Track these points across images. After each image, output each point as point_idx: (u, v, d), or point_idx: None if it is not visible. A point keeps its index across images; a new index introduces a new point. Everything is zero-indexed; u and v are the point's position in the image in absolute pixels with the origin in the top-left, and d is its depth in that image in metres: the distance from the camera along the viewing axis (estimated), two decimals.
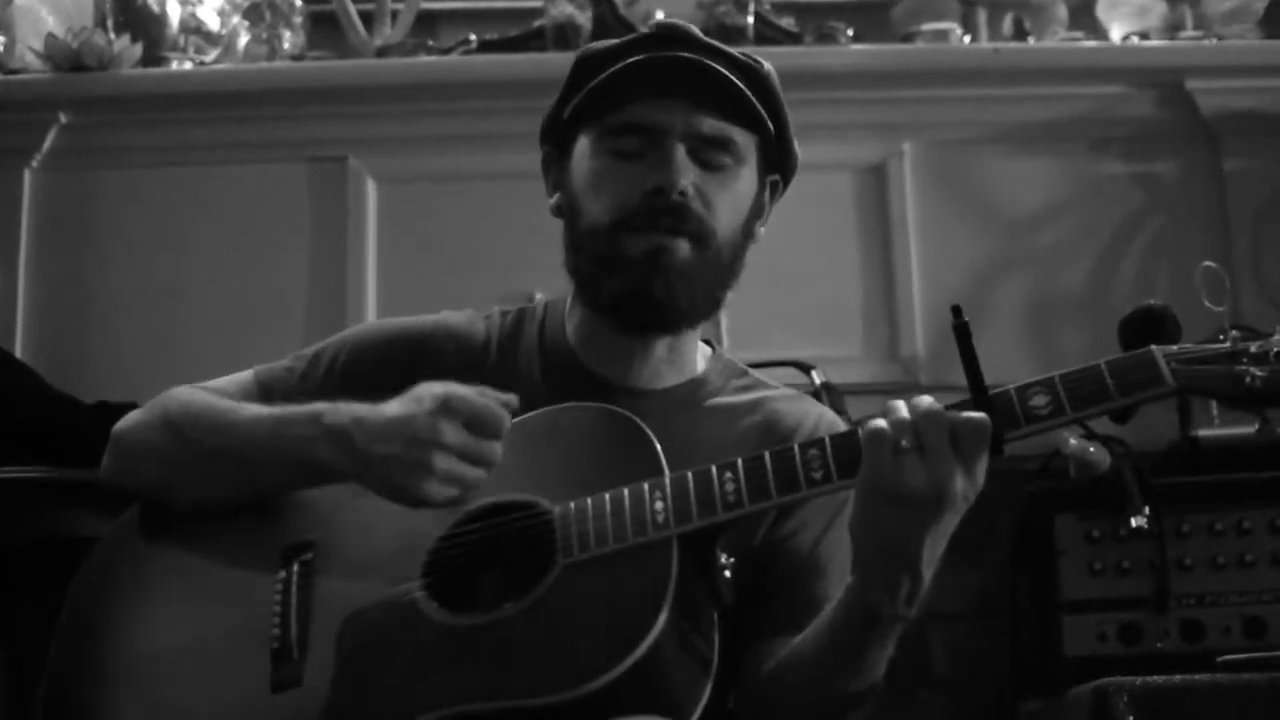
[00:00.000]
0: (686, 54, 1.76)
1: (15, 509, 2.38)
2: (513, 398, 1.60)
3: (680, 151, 1.74)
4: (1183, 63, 3.34)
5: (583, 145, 1.81)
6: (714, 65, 1.75)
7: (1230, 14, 3.47)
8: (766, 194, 1.87)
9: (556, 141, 1.86)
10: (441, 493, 1.56)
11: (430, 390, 1.59)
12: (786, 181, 1.91)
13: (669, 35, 1.81)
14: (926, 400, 1.46)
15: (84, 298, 3.26)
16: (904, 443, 1.43)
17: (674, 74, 1.75)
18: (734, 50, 1.82)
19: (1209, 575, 2.57)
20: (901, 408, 1.46)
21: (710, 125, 1.76)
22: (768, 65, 1.83)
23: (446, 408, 1.56)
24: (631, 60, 1.76)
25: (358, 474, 1.60)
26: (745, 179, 1.80)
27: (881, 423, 1.45)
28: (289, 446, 1.65)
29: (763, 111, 1.78)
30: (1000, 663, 2.89)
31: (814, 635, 1.62)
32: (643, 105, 1.76)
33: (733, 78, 1.75)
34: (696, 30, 1.82)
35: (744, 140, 1.79)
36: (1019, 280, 3.27)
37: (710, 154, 1.76)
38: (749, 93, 1.76)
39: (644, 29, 1.84)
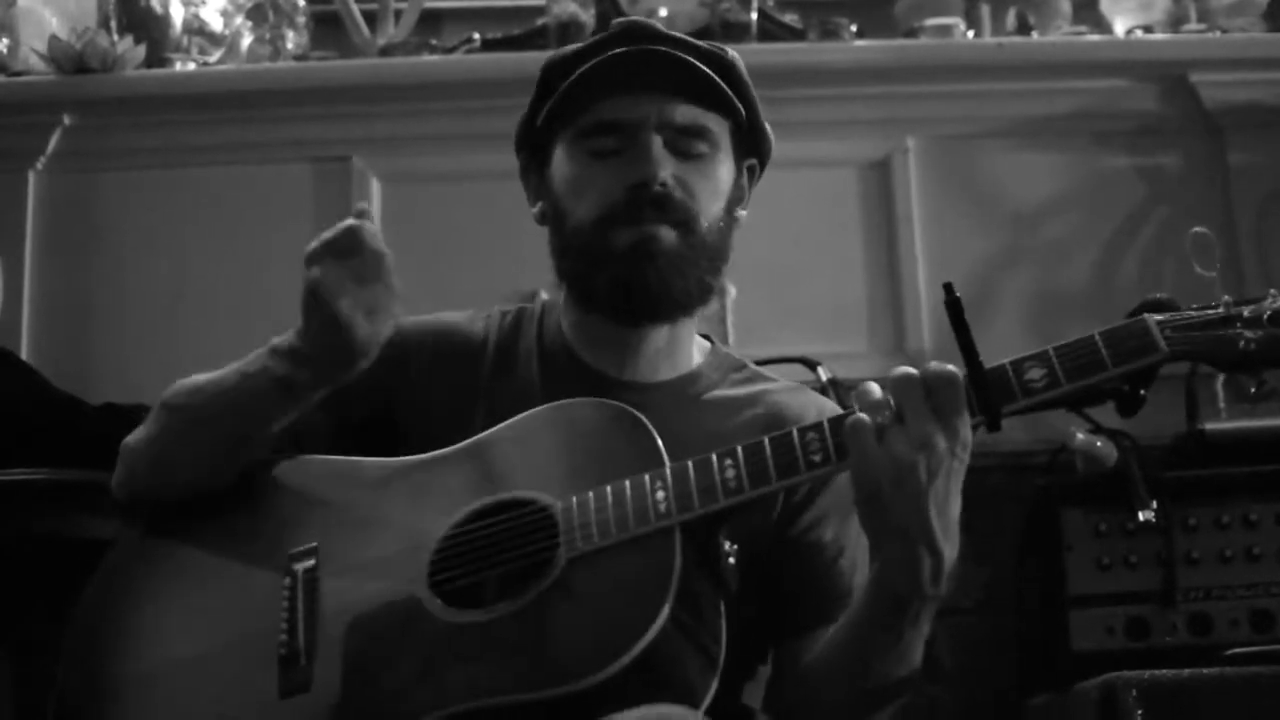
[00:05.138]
0: (650, 46, 1.76)
1: (20, 511, 2.38)
2: (362, 204, 1.66)
3: (657, 143, 1.75)
4: (1186, 56, 3.34)
5: (560, 151, 1.81)
6: (681, 55, 1.76)
7: (1233, 7, 3.47)
8: (745, 178, 1.87)
9: (532, 150, 1.87)
10: (373, 323, 1.63)
11: (304, 268, 1.64)
12: (763, 165, 1.91)
13: (633, 32, 1.81)
14: (900, 369, 1.47)
15: (89, 299, 3.26)
16: (883, 418, 1.45)
17: (643, 67, 1.75)
18: (698, 41, 1.82)
19: (1216, 569, 2.57)
20: (874, 390, 1.48)
21: (684, 114, 1.76)
22: (733, 53, 1.83)
23: (309, 262, 1.62)
24: (598, 59, 1.76)
25: (315, 373, 1.66)
26: (723, 165, 1.81)
27: (862, 415, 1.46)
28: (255, 378, 1.69)
29: (733, 96, 1.78)
30: (1007, 657, 2.89)
31: (847, 626, 1.63)
32: (614, 102, 1.76)
33: (701, 65, 1.76)
34: (659, 25, 1.83)
35: (718, 127, 1.79)
36: (1024, 274, 3.27)
37: (686, 143, 1.77)
38: (716, 77, 1.77)
39: (607, 30, 1.83)
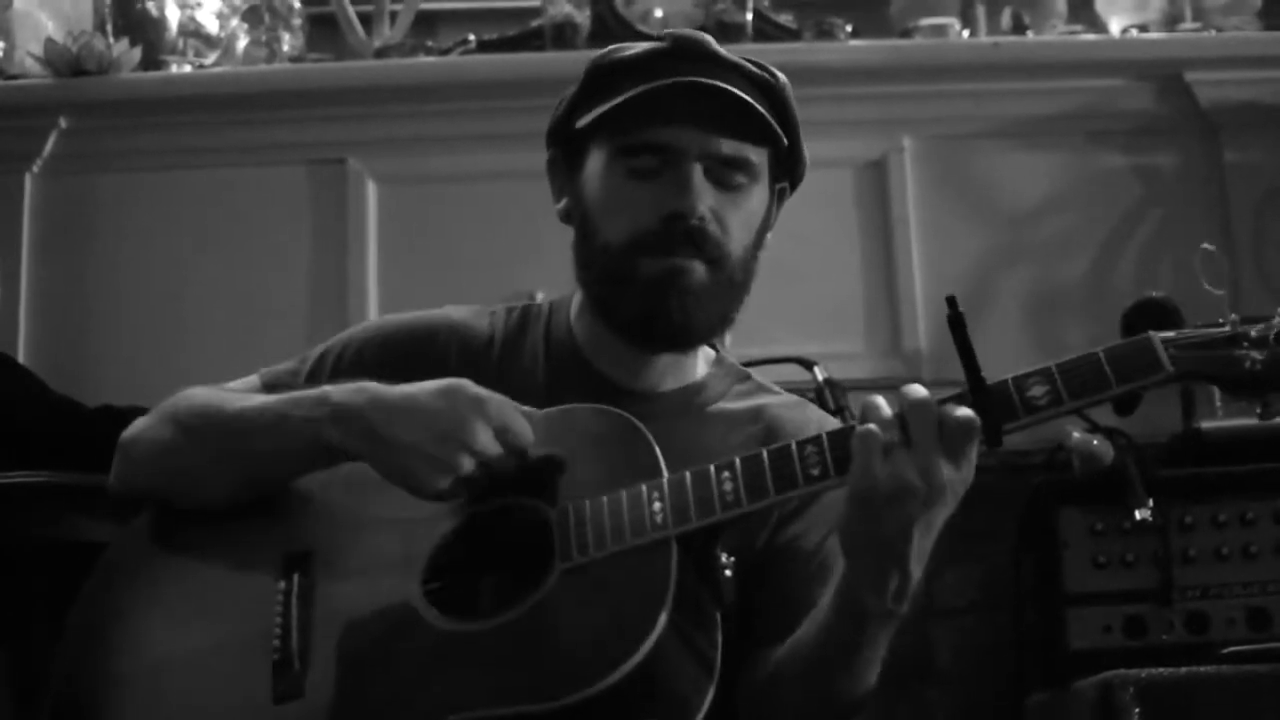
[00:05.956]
0: (704, 79, 1.72)
1: (17, 513, 2.38)
2: (534, 411, 1.60)
3: (697, 173, 1.72)
4: (1182, 55, 3.34)
5: (596, 159, 1.78)
6: (734, 91, 1.72)
7: (1229, 6, 3.47)
8: (774, 201, 1.85)
9: (566, 147, 1.84)
10: (454, 493, 1.57)
11: (466, 390, 1.58)
12: (794, 187, 1.89)
13: (685, 49, 1.78)
14: (915, 391, 1.44)
15: (85, 301, 3.26)
16: (891, 436, 1.42)
17: (693, 100, 1.72)
18: (749, 63, 1.79)
19: (1213, 567, 2.57)
20: (884, 406, 1.45)
21: (728, 146, 1.73)
22: (783, 78, 1.81)
23: (483, 412, 1.56)
24: (650, 87, 1.72)
25: (367, 455, 1.59)
26: (758, 197, 1.79)
27: (872, 425, 1.43)
28: (296, 430, 1.64)
29: (779, 127, 1.76)
30: (1005, 656, 2.89)
31: (807, 635, 1.61)
32: (660, 127, 1.73)
33: (753, 102, 1.73)
34: (712, 42, 1.79)
35: (758, 158, 1.77)
36: (1020, 274, 3.27)
37: (727, 174, 1.74)
38: (768, 115, 1.74)
39: (659, 42, 1.80)
